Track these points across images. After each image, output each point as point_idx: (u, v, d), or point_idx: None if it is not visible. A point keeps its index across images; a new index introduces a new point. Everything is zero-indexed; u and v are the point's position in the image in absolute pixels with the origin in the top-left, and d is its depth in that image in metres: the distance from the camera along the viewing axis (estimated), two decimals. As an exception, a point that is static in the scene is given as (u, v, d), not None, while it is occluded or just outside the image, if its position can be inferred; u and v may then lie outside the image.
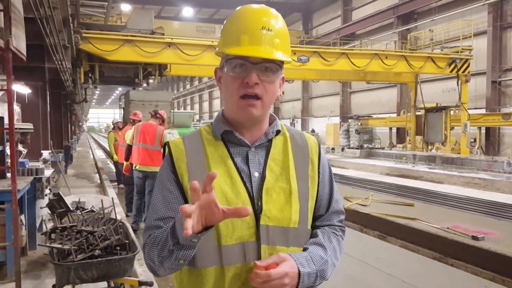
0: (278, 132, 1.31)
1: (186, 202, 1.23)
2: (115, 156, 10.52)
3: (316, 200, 1.33)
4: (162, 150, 7.12)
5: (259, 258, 1.18)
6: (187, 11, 32.75)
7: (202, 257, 1.19)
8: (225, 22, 1.27)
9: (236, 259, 1.18)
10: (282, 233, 1.22)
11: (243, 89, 1.19)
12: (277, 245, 1.21)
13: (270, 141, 1.30)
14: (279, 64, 1.23)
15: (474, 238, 5.16)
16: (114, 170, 12.09)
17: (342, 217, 1.40)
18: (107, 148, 22.88)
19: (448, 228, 5.63)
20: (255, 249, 1.19)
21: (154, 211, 1.24)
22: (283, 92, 24.80)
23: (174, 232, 1.10)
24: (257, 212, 1.20)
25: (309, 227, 1.30)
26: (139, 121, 7.98)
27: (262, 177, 1.24)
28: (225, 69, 1.23)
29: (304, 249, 1.25)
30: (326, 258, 1.24)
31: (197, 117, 42.90)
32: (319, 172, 1.33)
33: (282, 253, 1.17)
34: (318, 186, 1.33)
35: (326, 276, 1.24)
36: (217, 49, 1.29)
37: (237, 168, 1.23)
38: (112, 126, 12.17)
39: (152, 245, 1.18)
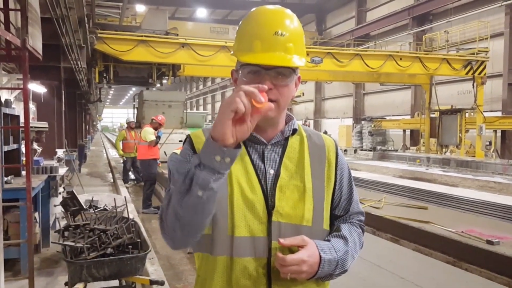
0: (294, 131, 1.32)
1: None
2: (119, 152, 11.80)
3: (333, 200, 1.34)
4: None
5: (269, 254, 1.20)
6: (201, 12, 32.91)
7: (216, 246, 1.20)
8: (240, 23, 1.27)
9: (245, 252, 1.19)
10: (294, 231, 1.22)
11: None
12: None
13: (286, 139, 1.31)
14: (293, 68, 1.22)
15: (489, 242, 5.07)
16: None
17: (362, 217, 1.41)
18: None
19: (462, 232, 5.54)
20: (266, 245, 1.20)
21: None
22: (303, 93, 24.83)
23: (195, 157, 1.07)
24: (270, 208, 1.21)
25: (325, 227, 1.31)
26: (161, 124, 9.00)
27: (277, 175, 1.25)
28: (240, 74, 1.24)
29: (326, 241, 1.27)
30: (347, 248, 1.27)
31: (209, 117, 43.01)
32: (336, 173, 1.34)
33: (307, 237, 1.18)
34: (335, 186, 1.33)
35: (346, 266, 1.26)
36: (232, 52, 1.29)
37: (254, 165, 1.25)
38: (125, 125, 12.54)
39: (168, 203, 1.14)
